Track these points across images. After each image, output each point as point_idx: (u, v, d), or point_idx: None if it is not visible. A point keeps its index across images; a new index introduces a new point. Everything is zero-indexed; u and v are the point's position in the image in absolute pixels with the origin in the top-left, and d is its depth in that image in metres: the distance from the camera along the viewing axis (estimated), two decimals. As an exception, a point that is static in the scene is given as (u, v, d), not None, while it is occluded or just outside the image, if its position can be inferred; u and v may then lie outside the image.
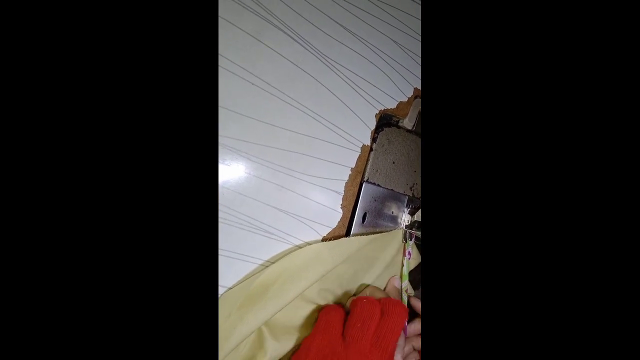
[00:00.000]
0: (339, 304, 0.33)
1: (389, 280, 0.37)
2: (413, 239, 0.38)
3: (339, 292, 0.34)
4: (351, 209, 0.36)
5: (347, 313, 0.30)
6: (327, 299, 0.33)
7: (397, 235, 0.38)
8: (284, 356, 0.29)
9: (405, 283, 0.38)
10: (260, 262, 0.31)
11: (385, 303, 0.31)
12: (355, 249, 0.34)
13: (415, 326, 0.34)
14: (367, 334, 0.28)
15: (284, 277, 0.30)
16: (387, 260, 0.36)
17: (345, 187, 0.35)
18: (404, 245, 0.38)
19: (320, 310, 0.31)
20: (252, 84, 0.30)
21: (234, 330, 0.27)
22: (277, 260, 0.31)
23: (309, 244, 0.33)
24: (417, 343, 0.34)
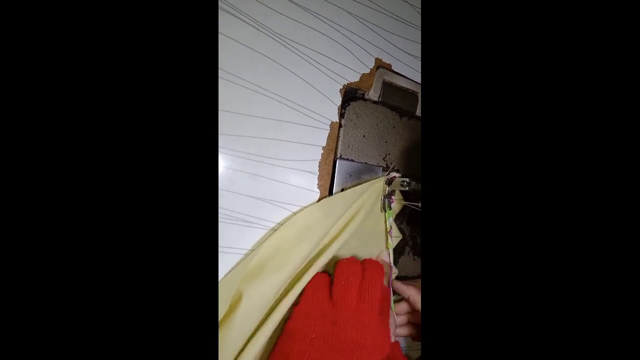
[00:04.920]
0: (324, 271, 0.34)
1: (377, 255, 0.39)
2: (392, 206, 0.39)
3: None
4: (328, 187, 0.36)
5: (332, 278, 0.32)
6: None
7: (378, 182, 0.38)
8: (277, 326, 0.30)
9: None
10: (244, 252, 0.31)
11: (364, 262, 0.33)
12: (350, 204, 0.34)
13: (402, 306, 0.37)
14: (352, 289, 0.30)
15: (284, 248, 0.31)
16: (368, 209, 0.37)
17: (319, 166, 0.35)
18: (385, 216, 0.39)
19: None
20: (209, 73, 0.29)
21: (238, 308, 0.27)
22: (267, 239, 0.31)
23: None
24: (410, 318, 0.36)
